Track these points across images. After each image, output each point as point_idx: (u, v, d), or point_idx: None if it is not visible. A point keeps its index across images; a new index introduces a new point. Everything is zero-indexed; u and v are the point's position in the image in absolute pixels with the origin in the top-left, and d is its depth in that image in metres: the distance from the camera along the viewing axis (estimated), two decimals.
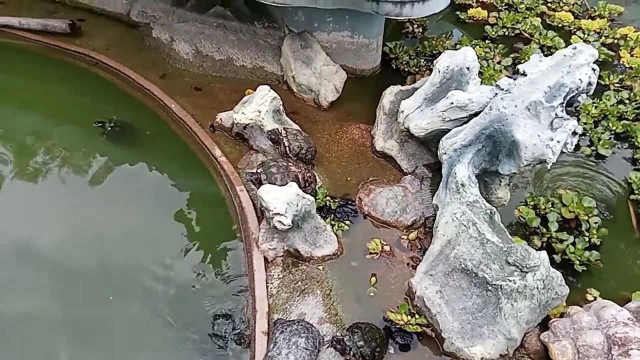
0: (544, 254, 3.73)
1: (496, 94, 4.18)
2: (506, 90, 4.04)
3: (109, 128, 5.40)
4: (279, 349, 3.50)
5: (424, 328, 3.82)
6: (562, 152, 4.00)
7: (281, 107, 5.09)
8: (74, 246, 4.50)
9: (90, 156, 5.31)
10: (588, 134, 5.50)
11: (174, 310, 4.10)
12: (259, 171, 4.46)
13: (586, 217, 4.54)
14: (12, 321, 3.99)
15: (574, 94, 3.88)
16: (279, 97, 5.04)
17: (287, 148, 4.72)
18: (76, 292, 4.21)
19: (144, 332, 4.04)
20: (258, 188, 4.23)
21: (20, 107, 5.81)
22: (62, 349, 3.84)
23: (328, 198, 4.70)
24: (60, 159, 5.26)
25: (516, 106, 3.91)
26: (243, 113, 4.89)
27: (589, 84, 3.84)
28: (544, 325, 3.83)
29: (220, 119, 5.30)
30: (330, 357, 3.65)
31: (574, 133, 4.02)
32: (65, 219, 4.71)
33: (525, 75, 3.95)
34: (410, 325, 3.79)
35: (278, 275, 4.18)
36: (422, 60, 6.26)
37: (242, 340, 3.86)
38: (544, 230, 4.52)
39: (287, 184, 4.15)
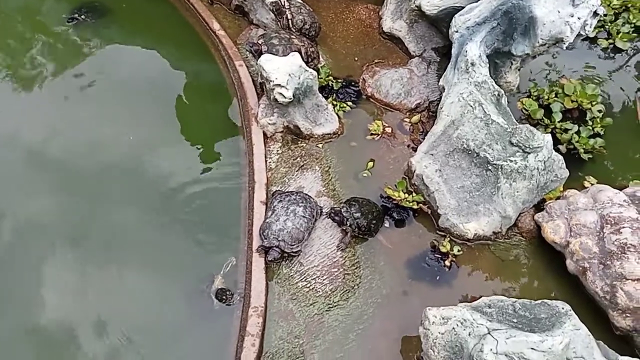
0: (548, 137, 3.66)
1: None
2: None
3: (83, 18, 5.06)
4: (277, 216, 3.54)
5: (420, 205, 3.86)
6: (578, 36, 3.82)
7: None
8: (64, 139, 4.30)
9: (71, 44, 5.03)
10: (607, 27, 5.23)
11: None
12: (259, 42, 4.26)
13: (590, 106, 4.41)
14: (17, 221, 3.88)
15: None
16: None
17: (290, 21, 4.47)
18: (70, 186, 4.06)
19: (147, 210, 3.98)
20: (257, 60, 4.05)
21: None
22: (60, 248, 3.74)
23: (331, 78, 4.55)
24: (40, 52, 4.99)
25: None
26: None
27: None
28: (539, 207, 3.87)
29: None
30: (327, 228, 3.72)
31: (595, 14, 3.80)
32: (53, 112, 4.51)
33: None
34: (407, 202, 3.82)
35: (277, 150, 4.13)
36: None
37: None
38: (548, 121, 4.43)
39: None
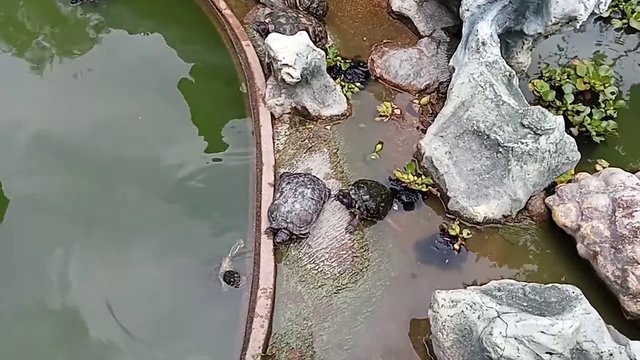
0: (560, 118, 3.60)
1: None
2: None
3: None
4: (285, 198, 3.52)
5: (430, 187, 3.82)
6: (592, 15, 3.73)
7: None
8: (72, 125, 4.24)
9: (75, 25, 4.95)
10: (621, 6, 5.10)
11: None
12: (266, 21, 4.18)
13: (602, 87, 4.32)
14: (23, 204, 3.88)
15: None
16: None
17: (298, 0, 4.38)
18: (78, 172, 4.04)
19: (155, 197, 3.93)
20: (264, 39, 3.98)
21: None
22: (68, 229, 3.74)
23: (339, 58, 4.48)
24: (44, 33, 4.93)
25: None
26: None
27: None
28: (550, 191, 3.82)
29: None
30: (336, 210, 3.69)
31: None
32: (57, 93, 4.48)
33: None
34: (416, 184, 3.78)
35: (285, 132, 4.09)
36: None
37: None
38: (560, 103, 4.35)
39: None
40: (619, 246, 3.26)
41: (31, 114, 4.31)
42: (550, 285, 3.00)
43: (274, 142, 3.99)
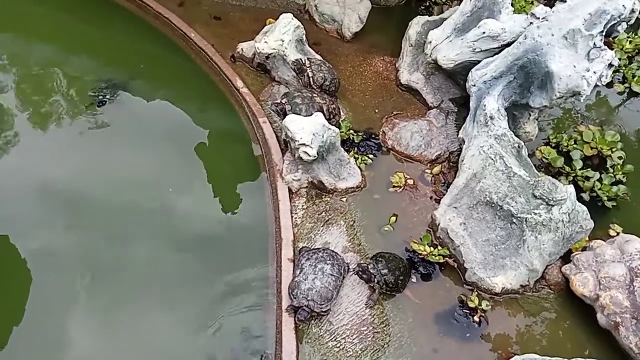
0: (571, 188, 3.69)
1: (531, 22, 4.00)
2: (542, 19, 3.86)
3: (109, 97, 5.24)
4: (305, 275, 3.59)
5: (447, 259, 3.88)
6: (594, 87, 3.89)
7: (304, 37, 4.95)
8: (95, 185, 4.41)
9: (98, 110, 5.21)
10: (622, 71, 5.31)
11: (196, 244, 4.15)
12: (283, 101, 4.40)
13: (610, 152, 4.44)
14: (33, 256, 3.97)
15: (615, 22, 3.70)
16: (302, 26, 4.89)
17: (311, 79, 4.62)
18: (97, 229, 4.15)
19: (168, 267, 4.01)
20: (282, 119, 4.19)
21: (29, 35, 5.69)
22: (79, 283, 3.82)
23: (351, 131, 4.66)
24: (71, 102, 5.19)
25: (553, 35, 3.75)
26: (265, 42, 4.76)
27: (632, 11, 3.65)
28: (566, 258, 3.86)
29: (242, 49, 5.17)
30: (355, 285, 3.75)
31: (610, 65, 3.88)
32: (85, 159, 4.63)
33: (565, 1, 3.76)
34: (433, 256, 3.85)
35: (302, 206, 4.21)
36: None
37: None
38: (569, 169, 4.46)
39: (311, 114, 4.09)
40: None
41: (56, 174, 4.46)
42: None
43: (292, 217, 4.10)
